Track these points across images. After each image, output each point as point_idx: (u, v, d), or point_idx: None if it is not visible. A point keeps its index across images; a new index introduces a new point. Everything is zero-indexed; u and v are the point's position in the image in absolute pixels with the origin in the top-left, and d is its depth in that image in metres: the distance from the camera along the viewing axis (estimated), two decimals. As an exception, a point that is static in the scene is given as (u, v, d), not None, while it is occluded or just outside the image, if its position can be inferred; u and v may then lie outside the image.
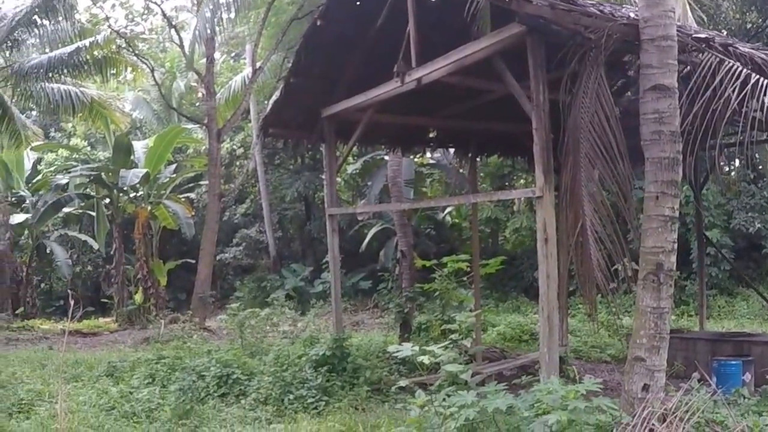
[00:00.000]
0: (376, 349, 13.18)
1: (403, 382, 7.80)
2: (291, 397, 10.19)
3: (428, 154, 25.94)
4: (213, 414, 9.69)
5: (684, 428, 5.83)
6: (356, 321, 21.55)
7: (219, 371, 11.11)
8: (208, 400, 10.40)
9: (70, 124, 36.59)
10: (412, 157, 21.92)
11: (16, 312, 26.42)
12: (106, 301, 28.78)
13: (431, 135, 15.02)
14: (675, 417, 5.92)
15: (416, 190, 26.02)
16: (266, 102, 27.08)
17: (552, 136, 7.58)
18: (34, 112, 34.26)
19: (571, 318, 14.76)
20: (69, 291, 28.02)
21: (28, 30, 23.99)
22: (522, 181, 26.31)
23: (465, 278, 14.74)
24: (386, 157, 23.20)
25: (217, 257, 26.71)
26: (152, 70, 26.01)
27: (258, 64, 24.33)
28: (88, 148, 33.24)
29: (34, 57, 24.49)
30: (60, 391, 9.55)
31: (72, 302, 9.04)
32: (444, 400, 6.17)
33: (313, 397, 10.16)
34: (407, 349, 6.65)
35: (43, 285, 32.47)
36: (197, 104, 35.39)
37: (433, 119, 13.46)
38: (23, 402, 10.49)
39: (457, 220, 28.04)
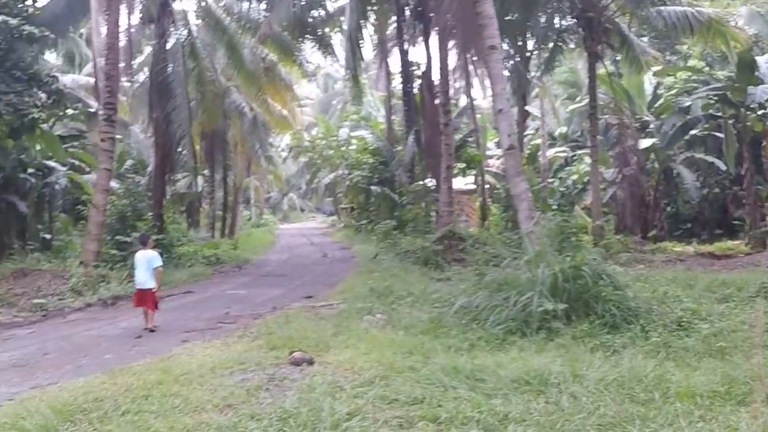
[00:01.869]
0: None
1: None
2: None
3: None
4: None
5: None
6: None
7: None
8: None
9: (685, 46, 38.17)
10: None
11: (647, 235, 29.17)
12: (735, 223, 30.02)
13: None
14: None
15: None
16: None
17: None
18: (645, 38, 36.61)
19: None
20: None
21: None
22: None
23: None
24: None
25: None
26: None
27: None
28: (707, 69, 34.37)
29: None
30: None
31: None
32: None
33: None
34: None
35: (669, 208, 34.87)
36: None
37: None
38: (682, 320, 11.23)
39: None
